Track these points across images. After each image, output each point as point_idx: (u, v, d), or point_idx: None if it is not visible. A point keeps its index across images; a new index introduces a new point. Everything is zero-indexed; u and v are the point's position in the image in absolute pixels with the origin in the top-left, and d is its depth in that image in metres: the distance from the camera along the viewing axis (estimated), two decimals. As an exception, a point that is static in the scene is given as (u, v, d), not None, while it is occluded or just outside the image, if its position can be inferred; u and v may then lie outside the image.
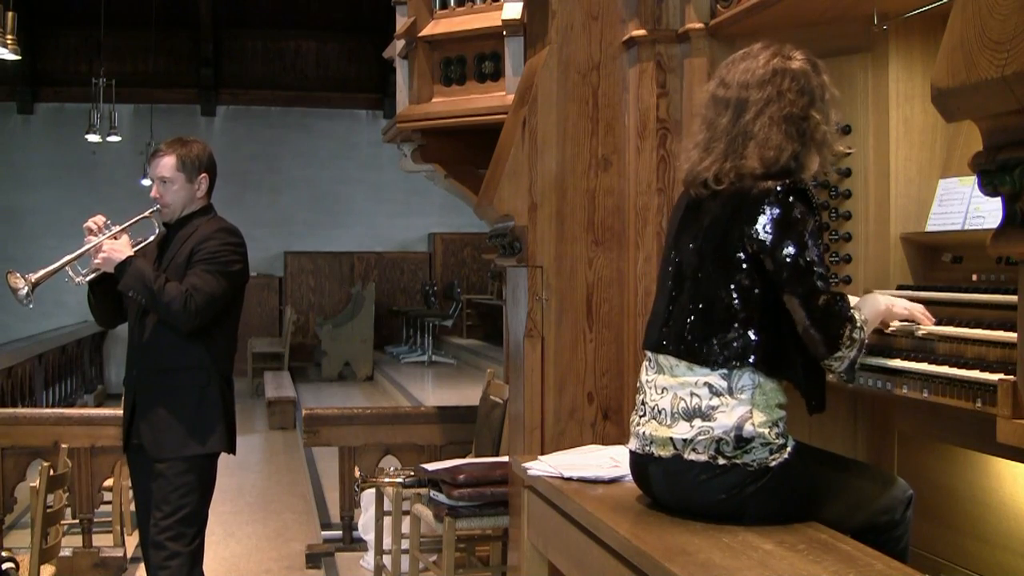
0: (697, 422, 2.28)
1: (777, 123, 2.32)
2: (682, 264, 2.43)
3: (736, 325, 2.29)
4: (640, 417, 2.43)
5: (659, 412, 2.36)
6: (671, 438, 2.31)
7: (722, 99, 2.41)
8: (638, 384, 2.50)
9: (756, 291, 2.29)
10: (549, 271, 3.43)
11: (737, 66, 2.42)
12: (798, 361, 2.31)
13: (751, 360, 2.27)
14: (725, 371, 2.28)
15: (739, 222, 2.30)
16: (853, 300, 2.63)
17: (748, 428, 2.25)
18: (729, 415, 2.26)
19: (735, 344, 2.28)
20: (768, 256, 2.27)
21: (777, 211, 2.27)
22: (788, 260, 2.26)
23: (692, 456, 2.28)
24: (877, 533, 2.31)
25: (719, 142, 2.38)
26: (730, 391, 2.28)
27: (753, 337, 2.28)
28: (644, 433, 2.39)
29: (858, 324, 2.30)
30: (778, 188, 2.28)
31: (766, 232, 2.27)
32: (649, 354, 2.47)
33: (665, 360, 2.39)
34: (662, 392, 2.37)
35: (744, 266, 2.30)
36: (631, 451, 2.47)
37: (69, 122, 13.98)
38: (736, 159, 2.33)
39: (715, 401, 2.28)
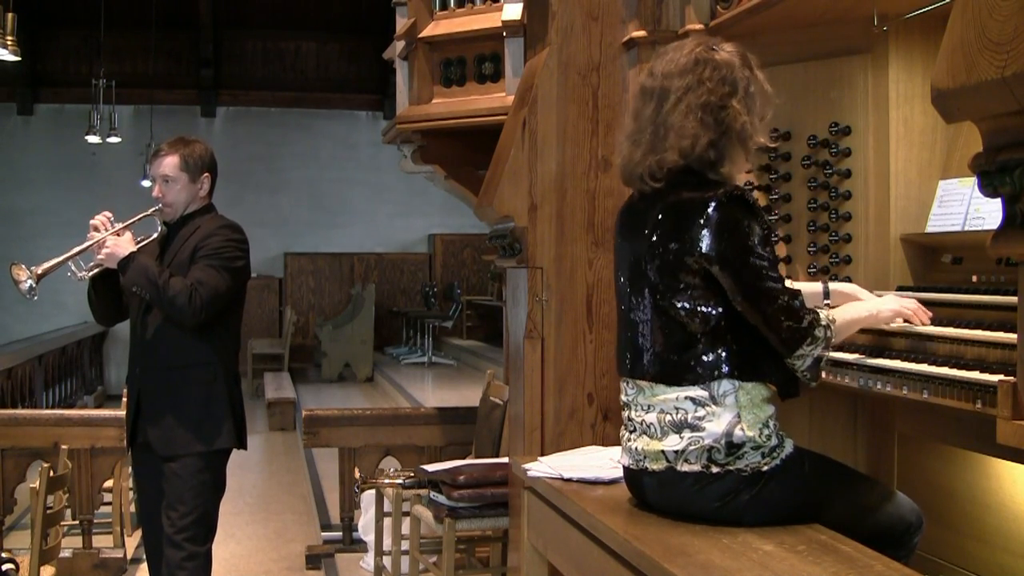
0: (687, 433, 2.27)
1: (694, 111, 2.30)
2: (632, 285, 2.40)
3: (702, 343, 2.27)
4: (630, 433, 2.41)
5: (648, 427, 2.34)
6: (663, 451, 2.30)
7: (648, 90, 2.40)
8: (622, 402, 2.48)
9: (714, 305, 2.26)
10: (549, 272, 3.43)
11: (664, 57, 2.41)
12: (771, 361, 2.29)
13: (725, 371, 2.25)
14: (704, 383, 2.26)
15: (681, 239, 2.27)
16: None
17: (738, 433, 2.24)
18: (717, 423, 2.24)
19: (705, 360, 2.26)
20: (716, 266, 2.24)
21: (717, 222, 2.23)
22: (736, 268, 2.23)
23: (685, 467, 2.27)
24: (878, 551, 2.28)
25: (644, 133, 2.36)
26: (713, 400, 2.26)
27: (722, 351, 2.26)
28: (636, 448, 2.37)
29: (823, 322, 2.27)
30: (713, 202, 2.24)
31: (710, 246, 2.23)
32: (621, 376, 2.46)
33: (642, 382, 2.37)
34: (647, 409, 2.35)
35: (696, 284, 2.27)
36: (625, 467, 2.46)
37: (69, 123, 13.98)
38: (660, 151, 2.31)
39: (701, 411, 2.26)
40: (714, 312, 2.26)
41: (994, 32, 1.72)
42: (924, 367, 2.32)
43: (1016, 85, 1.68)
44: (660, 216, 2.33)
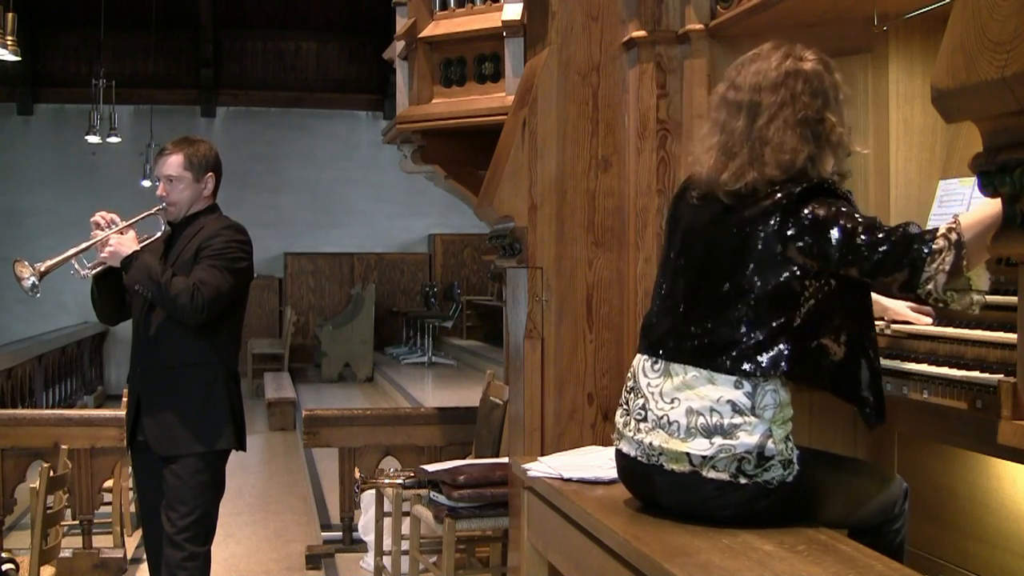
0: (717, 439, 2.22)
1: (792, 127, 2.27)
2: (700, 271, 2.35)
3: (767, 335, 2.21)
4: (638, 422, 2.34)
5: (669, 424, 2.27)
6: (687, 453, 2.24)
7: (734, 102, 2.35)
8: (630, 385, 2.42)
9: (795, 303, 2.22)
10: (549, 272, 3.43)
11: (748, 68, 2.37)
12: (837, 368, 2.23)
13: (784, 369, 2.20)
14: (749, 389, 2.21)
15: (770, 234, 2.23)
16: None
17: (769, 446, 2.21)
18: (752, 434, 2.21)
19: (769, 354, 2.20)
20: (824, 260, 2.19)
21: (808, 220, 2.20)
22: (833, 259, 2.17)
23: (712, 474, 2.23)
24: (875, 529, 2.31)
25: (740, 147, 2.31)
26: (752, 410, 2.21)
27: (784, 348, 2.21)
28: (649, 443, 2.31)
29: (940, 232, 2.09)
30: (803, 196, 2.21)
31: (804, 245, 2.20)
32: (653, 357, 2.37)
33: (679, 367, 2.30)
34: (672, 402, 2.28)
35: (785, 280, 2.22)
36: (626, 455, 2.40)
37: (69, 123, 13.98)
38: (759, 166, 2.27)
39: (737, 419, 2.21)
40: (792, 309, 2.21)
41: (994, 32, 1.72)
42: (924, 367, 2.32)
43: (1016, 85, 1.68)
44: (748, 210, 2.28)
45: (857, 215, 2.20)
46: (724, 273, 2.30)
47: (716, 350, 2.26)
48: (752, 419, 2.22)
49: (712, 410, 2.24)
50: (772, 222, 2.24)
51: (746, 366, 2.22)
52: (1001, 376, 2.03)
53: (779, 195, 2.25)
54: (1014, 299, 2.10)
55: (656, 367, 2.36)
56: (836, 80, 2.36)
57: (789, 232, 2.22)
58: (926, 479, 2.69)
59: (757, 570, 1.99)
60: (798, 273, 2.23)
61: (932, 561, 2.68)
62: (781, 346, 2.22)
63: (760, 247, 2.25)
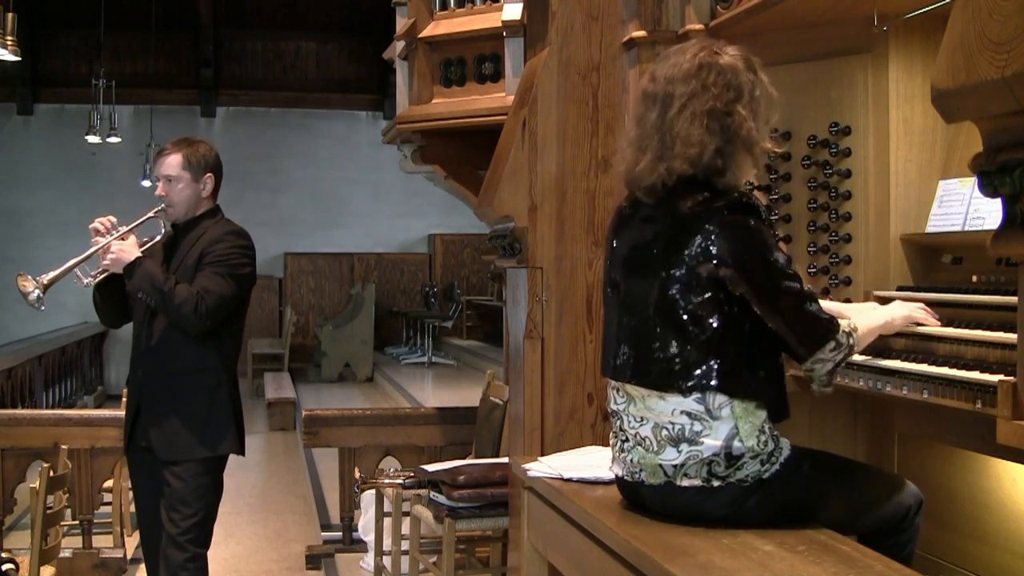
0: (684, 447, 2.23)
1: (699, 118, 2.25)
2: (630, 291, 2.36)
3: (696, 353, 2.22)
4: (623, 443, 2.38)
5: (643, 439, 2.31)
6: (660, 464, 2.27)
7: (651, 95, 2.34)
8: (610, 410, 2.45)
9: (716, 317, 2.22)
10: (549, 272, 3.43)
11: (667, 61, 2.36)
12: (761, 381, 2.25)
13: (714, 384, 2.21)
14: (699, 395, 2.22)
15: (691, 248, 2.22)
16: (850, 307, 2.63)
17: (737, 445, 2.21)
18: (715, 436, 2.22)
19: (698, 371, 2.22)
20: (732, 270, 2.19)
21: (729, 227, 2.20)
22: (753, 269, 2.19)
23: (685, 482, 2.24)
24: (882, 537, 2.29)
25: (651, 140, 2.30)
26: (709, 413, 2.22)
27: (715, 364, 2.22)
28: (632, 460, 2.34)
29: (844, 329, 2.26)
30: (724, 210, 2.21)
31: (724, 250, 2.19)
32: (613, 383, 2.42)
33: (634, 390, 2.33)
34: (641, 421, 2.31)
35: (701, 294, 2.22)
36: (619, 477, 2.43)
37: (69, 123, 13.98)
38: (669, 160, 2.26)
39: (698, 426, 2.22)
40: (714, 324, 2.22)
41: (994, 32, 1.72)
42: (924, 367, 2.32)
43: (1016, 85, 1.68)
44: (668, 224, 2.28)
45: (785, 264, 2.23)
46: (648, 292, 2.30)
47: (653, 370, 2.28)
48: (712, 422, 2.22)
49: (671, 423, 2.26)
50: (694, 245, 2.22)
51: (680, 383, 2.24)
52: (1001, 376, 2.03)
53: (700, 212, 2.23)
54: (1014, 299, 2.10)
55: (620, 392, 2.40)
56: (757, 79, 2.31)
57: (711, 260, 2.21)
58: (926, 479, 2.69)
59: (757, 570, 1.99)
60: (716, 295, 2.22)
61: (932, 561, 2.68)
62: (711, 362, 2.22)
63: (682, 268, 2.24)
